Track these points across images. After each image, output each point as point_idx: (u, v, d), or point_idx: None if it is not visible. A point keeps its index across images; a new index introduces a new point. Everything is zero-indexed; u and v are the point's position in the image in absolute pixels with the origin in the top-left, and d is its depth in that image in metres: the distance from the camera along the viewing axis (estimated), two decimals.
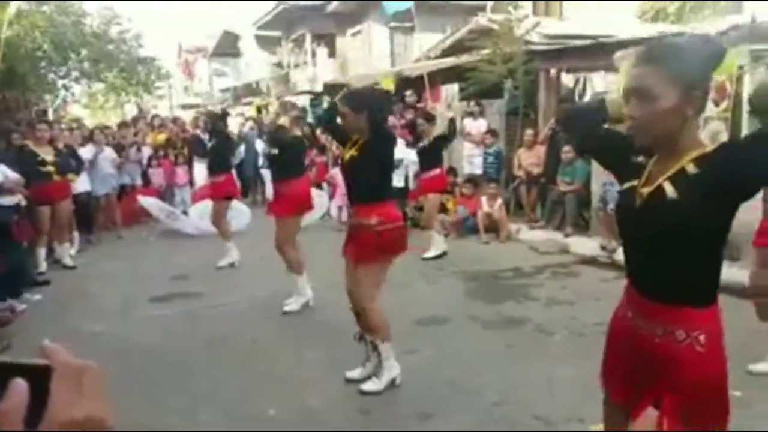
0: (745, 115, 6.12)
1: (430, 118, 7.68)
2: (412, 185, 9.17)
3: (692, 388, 1.66)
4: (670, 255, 1.66)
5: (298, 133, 5.76)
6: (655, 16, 14.41)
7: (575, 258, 7.03)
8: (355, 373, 3.91)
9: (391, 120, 9.50)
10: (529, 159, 8.88)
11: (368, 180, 3.70)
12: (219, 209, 7.23)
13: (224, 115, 8.18)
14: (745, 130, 5.99)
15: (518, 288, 6.09)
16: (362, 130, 3.70)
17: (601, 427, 2.04)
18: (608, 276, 6.10)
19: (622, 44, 7.68)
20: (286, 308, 5.40)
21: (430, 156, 7.43)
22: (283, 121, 5.64)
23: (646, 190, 1.69)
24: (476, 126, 9.68)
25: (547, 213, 8.45)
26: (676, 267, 1.65)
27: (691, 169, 1.61)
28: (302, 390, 3.88)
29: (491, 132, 9.41)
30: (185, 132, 12.11)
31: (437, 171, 7.50)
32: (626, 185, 1.78)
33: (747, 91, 6.13)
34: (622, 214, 1.82)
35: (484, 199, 8.55)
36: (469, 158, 9.67)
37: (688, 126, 1.67)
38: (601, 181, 7.15)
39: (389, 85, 10.09)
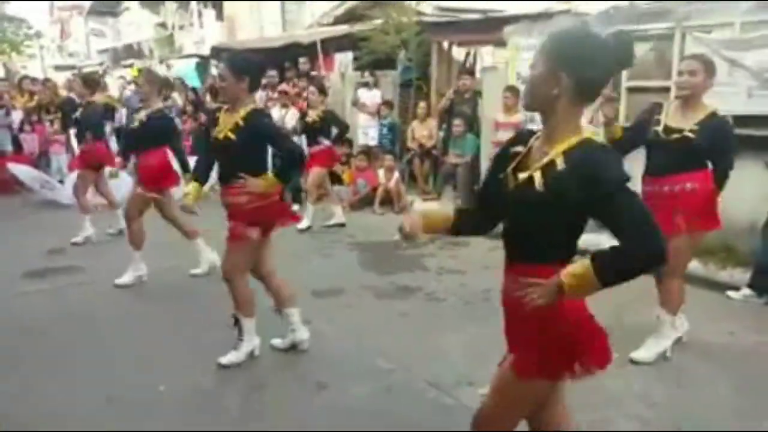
0: (623, 92, 6.47)
1: (322, 90, 7.56)
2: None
3: (549, 335, 1.83)
4: (529, 233, 1.85)
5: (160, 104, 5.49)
6: None
7: None
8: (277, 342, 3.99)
9: (285, 87, 9.28)
10: (422, 131, 8.98)
11: (243, 162, 3.56)
12: (84, 180, 6.83)
13: (97, 79, 7.57)
14: (623, 107, 6.36)
15: (411, 258, 6.19)
16: (239, 98, 3.56)
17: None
18: (496, 245, 6.31)
19: (512, 19, 7.91)
20: (118, 281, 5.25)
21: (319, 130, 7.29)
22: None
23: (521, 176, 1.83)
24: (370, 97, 9.65)
25: (439, 185, 8.62)
26: (531, 242, 1.85)
27: (560, 163, 1.74)
28: (193, 367, 3.74)
29: (387, 103, 9.42)
30: (56, 95, 11.19)
31: (324, 146, 7.37)
32: (507, 170, 1.92)
33: (626, 71, 6.50)
34: (502, 194, 1.95)
35: (381, 171, 8.58)
36: (363, 129, 9.64)
37: (561, 109, 1.78)
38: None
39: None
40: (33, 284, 5.36)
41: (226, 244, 3.70)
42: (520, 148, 1.92)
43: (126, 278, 5.29)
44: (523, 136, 1.97)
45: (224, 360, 3.76)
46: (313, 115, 7.29)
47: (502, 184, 1.93)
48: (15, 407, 3.26)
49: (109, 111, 6.35)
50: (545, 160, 1.77)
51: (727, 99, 5.38)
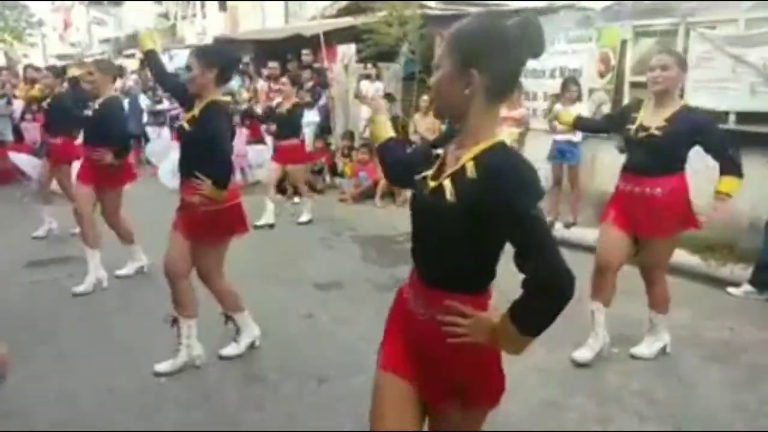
0: (626, 87, 6.48)
1: (294, 82, 7.48)
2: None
3: (461, 369, 1.68)
4: (444, 249, 1.63)
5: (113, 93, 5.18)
6: None
7: None
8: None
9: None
10: (425, 124, 8.97)
11: (198, 159, 3.35)
12: (60, 175, 6.50)
13: (62, 71, 7.33)
14: (626, 101, 6.34)
15: None
16: (206, 89, 3.37)
17: None
18: None
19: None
20: (119, 272, 5.24)
21: (289, 123, 7.18)
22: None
23: (432, 183, 1.64)
24: (373, 89, 9.62)
25: None
26: (449, 260, 1.63)
27: (470, 170, 1.54)
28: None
29: (388, 96, 9.39)
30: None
31: (296, 140, 7.28)
32: (421, 174, 1.71)
33: (629, 64, 6.49)
34: (413, 201, 1.76)
35: None
36: (366, 121, 9.62)
37: (476, 110, 1.58)
38: None
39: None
40: (34, 274, 5.36)
41: (179, 244, 3.50)
42: (441, 151, 1.73)
43: (126, 269, 5.30)
44: (447, 137, 1.78)
45: (225, 352, 3.77)
46: (284, 107, 7.22)
47: (419, 189, 1.70)
48: (15, 403, 3.26)
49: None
50: (456, 167, 1.58)
51: (730, 96, 5.39)
